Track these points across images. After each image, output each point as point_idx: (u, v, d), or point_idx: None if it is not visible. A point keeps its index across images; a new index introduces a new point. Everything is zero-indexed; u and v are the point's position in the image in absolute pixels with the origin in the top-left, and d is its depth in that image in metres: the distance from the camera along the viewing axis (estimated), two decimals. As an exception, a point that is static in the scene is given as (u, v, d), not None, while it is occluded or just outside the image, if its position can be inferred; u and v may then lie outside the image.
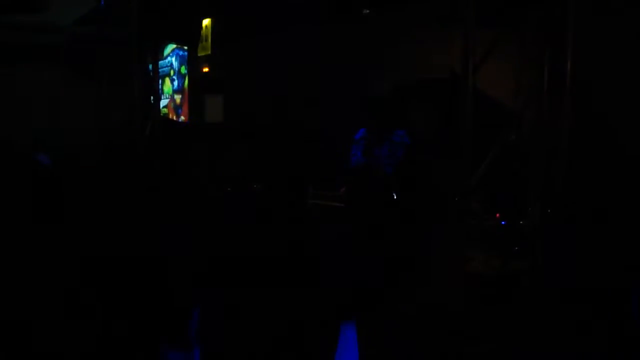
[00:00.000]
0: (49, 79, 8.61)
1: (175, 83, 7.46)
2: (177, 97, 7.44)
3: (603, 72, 3.54)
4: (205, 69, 7.26)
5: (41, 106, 8.54)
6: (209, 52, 7.11)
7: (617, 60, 3.51)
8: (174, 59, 7.45)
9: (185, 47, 7.16)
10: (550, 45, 3.50)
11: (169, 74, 7.55)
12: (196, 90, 7.11)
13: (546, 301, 3.70)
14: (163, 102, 7.50)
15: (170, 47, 7.47)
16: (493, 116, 4.14)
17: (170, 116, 7.49)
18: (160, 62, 7.36)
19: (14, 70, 8.14)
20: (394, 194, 4.22)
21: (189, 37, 6.85)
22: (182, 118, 7.31)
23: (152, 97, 7.00)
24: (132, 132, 5.98)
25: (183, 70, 7.31)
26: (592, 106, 3.62)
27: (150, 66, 7.00)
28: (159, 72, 7.24)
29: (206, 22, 6.91)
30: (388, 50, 5.79)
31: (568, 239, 3.57)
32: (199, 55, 7.28)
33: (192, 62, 7.19)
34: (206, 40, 7.07)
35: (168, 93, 7.62)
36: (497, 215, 4.22)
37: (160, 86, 7.38)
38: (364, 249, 3.82)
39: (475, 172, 3.89)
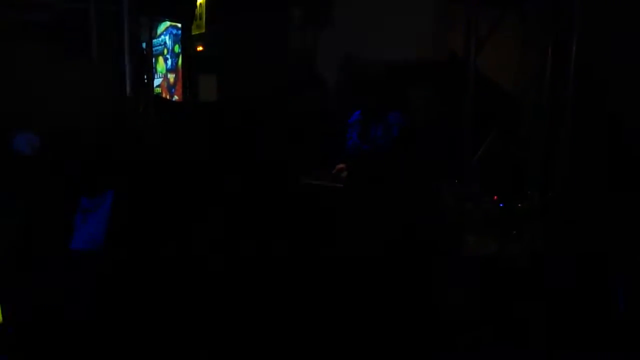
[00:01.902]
0: (39, 57, 8.44)
1: (169, 62, 7.36)
2: (171, 76, 7.34)
3: (610, 54, 3.49)
4: (200, 48, 7.15)
5: (32, 84, 8.39)
6: (204, 31, 7.00)
7: (626, 42, 3.46)
8: (167, 37, 7.34)
9: (179, 26, 7.05)
10: (555, 26, 3.45)
11: (163, 52, 7.44)
12: (190, 69, 7.00)
13: (542, 285, 3.69)
14: (156, 82, 7.40)
15: (164, 25, 7.36)
16: (493, 98, 4.10)
17: (164, 95, 7.39)
18: (154, 41, 7.24)
19: (3, 47, 7.97)
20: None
21: (183, 14, 6.74)
22: (176, 97, 7.22)
23: (145, 76, 6.89)
24: (125, 111, 5.90)
25: (177, 49, 7.20)
26: (597, 90, 3.57)
27: (144, 44, 6.90)
28: (152, 51, 7.14)
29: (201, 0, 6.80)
30: (385, 30, 5.72)
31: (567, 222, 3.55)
32: (193, 34, 7.17)
33: (186, 40, 7.08)
34: (200, 18, 6.96)
35: (161, 72, 7.52)
36: (495, 197, 4.19)
37: (153, 65, 7.27)
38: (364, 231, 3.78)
39: (475, 154, 3.86)
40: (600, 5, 3.41)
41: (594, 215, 3.63)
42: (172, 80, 7.32)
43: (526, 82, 3.84)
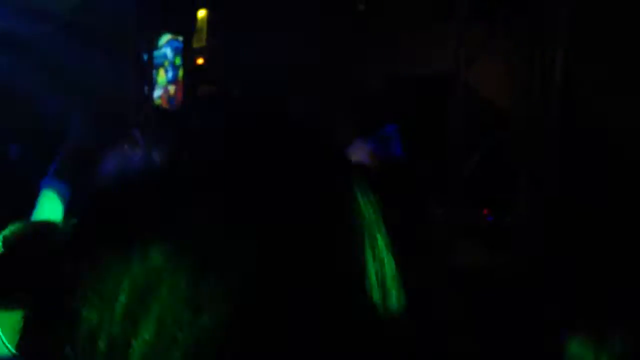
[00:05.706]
0: (44, 68, 8.55)
1: (170, 74, 7.46)
2: (171, 88, 7.44)
3: (596, 70, 3.55)
4: (200, 61, 7.26)
5: (33, 96, 8.50)
6: (204, 44, 7.11)
7: (611, 58, 3.52)
8: (168, 49, 7.45)
9: (180, 38, 7.16)
10: (542, 43, 3.52)
11: (163, 64, 7.55)
12: (190, 81, 7.11)
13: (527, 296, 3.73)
14: (157, 93, 7.50)
15: (165, 38, 7.47)
16: (483, 113, 4.17)
17: (164, 106, 7.49)
18: (155, 53, 7.36)
19: (9, 58, 8.09)
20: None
21: (184, 27, 6.86)
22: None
23: (146, 88, 7.00)
24: (128, 122, 5.99)
25: (177, 61, 7.31)
26: (584, 105, 3.63)
27: (145, 56, 7.01)
28: (153, 63, 7.25)
29: (201, 13, 6.91)
30: (383, 46, 5.80)
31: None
32: (194, 46, 7.28)
33: (187, 53, 7.19)
34: (201, 31, 7.08)
35: (162, 84, 7.61)
36: (485, 211, 4.26)
37: (154, 77, 7.38)
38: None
39: (465, 168, 3.92)
40: (587, 19, 3.48)
41: (583, 227, 3.68)
42: (172, 91, 7.42)
43: (516, 96, 3.91)
